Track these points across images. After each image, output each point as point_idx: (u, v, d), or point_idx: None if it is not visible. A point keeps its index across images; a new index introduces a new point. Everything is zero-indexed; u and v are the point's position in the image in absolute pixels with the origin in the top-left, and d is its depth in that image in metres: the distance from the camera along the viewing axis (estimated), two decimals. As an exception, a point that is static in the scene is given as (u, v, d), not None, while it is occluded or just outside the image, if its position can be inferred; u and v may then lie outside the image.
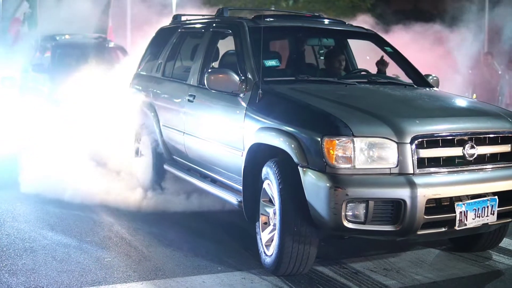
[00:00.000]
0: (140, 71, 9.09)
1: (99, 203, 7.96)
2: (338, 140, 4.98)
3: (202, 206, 7.88)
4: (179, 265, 5.81)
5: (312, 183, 5.04)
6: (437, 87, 7.09)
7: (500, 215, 5.33)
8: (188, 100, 7.20)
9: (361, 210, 4.92)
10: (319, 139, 5.03)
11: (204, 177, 7.36)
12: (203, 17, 8.48)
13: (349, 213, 4.92)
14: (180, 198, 8.05)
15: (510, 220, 5.56)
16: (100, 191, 8.26)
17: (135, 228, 7.01)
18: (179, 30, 8.38)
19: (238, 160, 6.09)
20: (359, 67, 7.72)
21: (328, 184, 4.90)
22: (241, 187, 6.12)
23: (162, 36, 8.86)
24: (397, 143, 5.02)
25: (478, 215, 5.17)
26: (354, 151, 4.97)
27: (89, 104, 10.07)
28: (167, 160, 8.10)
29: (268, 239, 5.69)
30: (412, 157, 5.02)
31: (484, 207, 5.19)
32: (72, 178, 8.46)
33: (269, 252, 5.62)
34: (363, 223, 4.94)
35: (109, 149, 9.33)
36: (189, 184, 7.66)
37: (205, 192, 7.34)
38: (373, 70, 7.24)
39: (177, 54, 8.19)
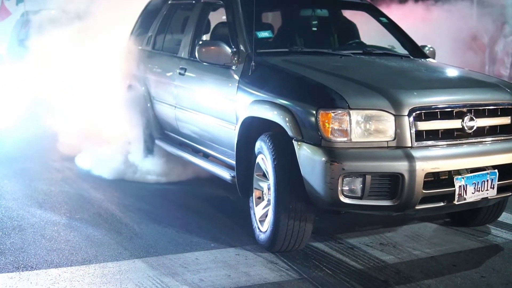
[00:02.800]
0: (130, 45, 8.86)
1: (90, 177, 7.88)
2: (333, 112, 4.83)
3: (194, 180, 7.77)
4: (171, 242, 5.69)
5: (307, 157, 4.90)
6: (434, 58, 6.94)
7: (500, 189, 5.20)
8: (179, 73, 7.04)
9: (357, 184, 4.79)
10: (314, 112, 4.88)
11: (196, 152, 7.24)
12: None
13: (346, 187, 4.78)
14: (172, 172, 7.95)
15: (510, 194, 5.43)
16: (91, 164, 8.25)
17: (125, 205, 6.88)
18: (169, 2, 8.19)
19: (231, 134, 5.95)
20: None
21: (323, 158, 4.76)
22: (234, 162, 5.99)
23: (152, 8, 8.66)
24: (394, 115, 4.87)
25: (478, 189, 5.04)
26: (350, 124, 4.82)
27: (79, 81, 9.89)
28: (158, 135, 7.95)
29: (262, 215, 5.57)
30: (410, 130, 4.88)
31: (484, 181, 5.06)
32: (62, 151, 8.34)
33: (263, 228, 5.50)
34: (360, 198, 4.81)
35: (101, 120, 9.20)
36: (181, 159, 7.55)
37: (197, 167, 7.21)
38: (369, 41, 7.07)
39: (168, 26, 8.02)
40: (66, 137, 9.22)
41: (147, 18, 8.67)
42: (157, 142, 7.93)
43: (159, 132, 7.96)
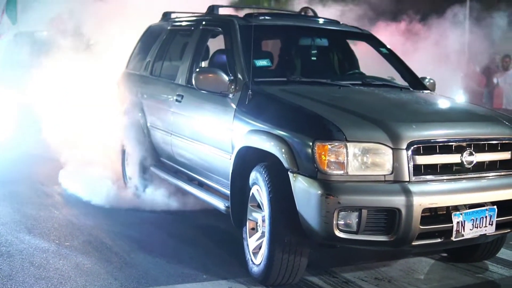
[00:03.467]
0: (128, 70, 8.83)
1: (80, 202, 7.83)
2: (330, 144, 4.73)
3: (186, 208, 7.69)
4: (162, 273, 5.58)
5: (303, 189, 4.80)
6: (434, 91, 6.87)
7: (498, 226, 5.09)
8: (176, 100, 6.96)
9: (353, 219, 4.68)
10: (311, 144, 4.79)
11: (191, 180, 7.14)
12: (193, 14, 8.24)
13: (341, 222, 4.67)
14: (164, 200, 7.84)
15: (509, 230, 5.32)
16: (82, 191, 8.15)
17: (115, 232, 6.76)
18: (168, 27, 8.15)
19: (226, 163, 5.86)
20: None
21: (319, 191, 4.66)
22: (228, 191, 5.89)
23: (151, 33, 8.63)
24: (392, 148, 4.78)
25: (476, 226, 4.94)
26: (347, 156, 4.72)
27: (75, 103, 9.83)
28: (154, 162, 7.86)
29: (256, 246, 5.47)
30: (408, 164, 4.78)
31: (483, 217, 4.96)
32: (55, 178, 8.25)
33: (257, 260, 5.39)
34: (356, 232, 4.70)
35: (95, 148, 9.12)
36: (175, 187, 7.46)
37: (191, 195, 7.11)
38: (369, 71, 7.01)
39: (166, 52, 7.96)
40: (59, 162, 9.12)
41: (146, 42, 8.62)
42: (152, 169, 7.84)
43: (154, 159, 7.87)
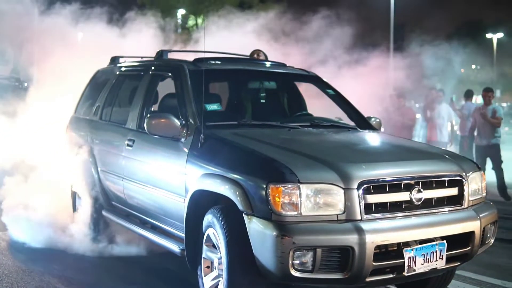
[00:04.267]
0: (77, 114, 8.86)
1: (26, 248, 7.82)
2: (284, 187, 4.86)
3: (137, 253, 7.71)
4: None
5: (258, 231, 4.89)
6: (380, 129, 7.08)
7: (448, 259, 5.27)
8: (127, 144, 7.02)
9: (308, 258, 4.79)
10: (264, 186, 4.90)
11: (143, 224, 7.16)
12: (141, 59, 8.34)
13: (297, 261, 4.78)
14: (116, 245, 7.88)
15: (459, 263, 5.51)
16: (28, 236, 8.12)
17: (67, 277, 6.74)
18: (117, 72, 8.23)
19: (180, 206, 5.93)
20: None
21: (274, 233, 4.76)
22: (182, 234, 5.97)
23: (99, 78, 8.70)
24: (343, 189, 4.92)
25: (427, 260, 5.11)
26: (300, 197, 4.85)
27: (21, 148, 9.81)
28: (106, 205, 7.87)
29: (212, 286, 5.54)
30: (359, 203, 4.93)
31: (433, 252, 5.13)
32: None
33: (215, 301, 5.45)
34: (311, 271, 4.81)
35: (43, 192, 9.08)
36: (127, 231, 7.49)
37: (144, 239, 7.15)
38: (316, 113, 7.18)
39: (116, 97, 8.04)
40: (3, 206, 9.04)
41: (94, 87, 8.69)
42: (104, 213, 7.84)
43: (106, 203, 7.88)
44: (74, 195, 8.57)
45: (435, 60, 14.43)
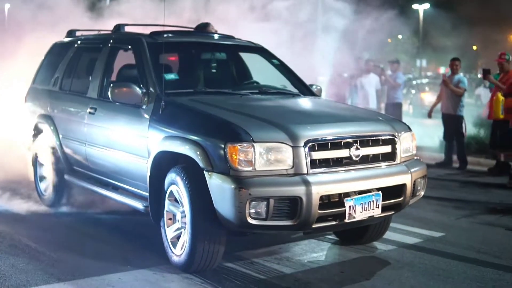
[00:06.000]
0: (35, 85, 9.31)
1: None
2: (240, 145, 5.49)
3: (96, 213, 8.34)
4: (90, 267, 6.16)
5: (218, 185, 5.53)
6: (320, 96, 7.77)
7: (384, 208, 6.02)
8: (89, 112, 7.53)
9: (262, 207, 5.43)
10: (223, 146, 5.53)
11: (105, 185, 7.69)
12: (99, 32, 8.80)
13: (252, 210, 5.41)
14: (74, 206, 8.50)
15: (393, 212, 6.27)
16: None
17: (36, 236, 7.23)
18: (75, 45, 8.68)
19: (143, 167, 6.50)
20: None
21: (232, 186, 5.40)
22: (145, 193, 6.56)
23: (57, 50, 9.13)
24: (292, 147, 5.59)
25: (365, 209, 5.83)
26: (255, 155, 5.49)
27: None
28: (67, 170, 8.37)
29: (174, 236, 6.15)
30: (306, 159, 5.61)
31: (370, 201, 5.86)
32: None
33: (176, 251, 6.08)
34: (265, 219, 5.46)
35: (6, 161, 9.58)
36: (86, 194, 8.15)
37: (103, 201, 7.84)
38: (262, 80, 7.84)
39: (75, 68, 8.48)
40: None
41: (52, 59, 9.12)
42: (67, 177, 8.34)
43: (68, 168, 8.37)
44: (35, 162, 9.04)
45: (363, 31, 14.91)
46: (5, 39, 12.01)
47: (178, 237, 6.13)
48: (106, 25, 9.60)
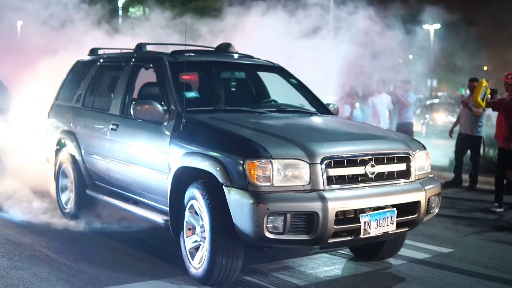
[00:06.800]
0: (59, 102, 9.53)
1: (12, 224, 8.58)
2: (258, 162, 5.67)
3: (116, 227, 8.51)
4: (110, 276, 6.38)
5: (237, 200, 5.70)
6: (337, 115, 7.95)
7: (398, 225, 6.16)
8: (112, 128, 7.74)
9: (280, 222, 5.60)
10: (242, 162, 5.71)
11: (126, 200, 7.87)
12: (121, 51, 9.03)
13: (270, 225, 5.58)
14: (95, 220, 8.68)
15: (407, 229, 6.40)
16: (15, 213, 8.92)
17: (55, 247, 7.43)
18: (98, 63, 8.91)
19: (164, 182, 6.68)
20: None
21: (251, 201, 5.57)
22: (164, 207, 6.76)
23: (79, 68, 9.38)
24: (309, 163, 5.76)
25: (380, 225, 5.98)
26: (273, 171, 5.67)
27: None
28: (89, 185, 8.58)
29: (192, 247, 6.33)
30: (322, 176, 5.78)
31: (385, 218, 6.01)
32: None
33: (195, 264, 6.25)
34: (282, 233, 5.62)
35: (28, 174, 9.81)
36: (108, 209, 8.34)
37: (123, 216, 8.06)
38: (280, 99, 8.03)
39: (97, 85, 8.70)
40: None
41: (75, 77, 9.37)
42: (88, 191, 8.55)
43: (89, 182, 8.59)
44: (57, 176, 9.24)
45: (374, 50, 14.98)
46: (18, 57, 12.25)
47: (196, 248, 6.31)
48: (125, 43, 9.86)
